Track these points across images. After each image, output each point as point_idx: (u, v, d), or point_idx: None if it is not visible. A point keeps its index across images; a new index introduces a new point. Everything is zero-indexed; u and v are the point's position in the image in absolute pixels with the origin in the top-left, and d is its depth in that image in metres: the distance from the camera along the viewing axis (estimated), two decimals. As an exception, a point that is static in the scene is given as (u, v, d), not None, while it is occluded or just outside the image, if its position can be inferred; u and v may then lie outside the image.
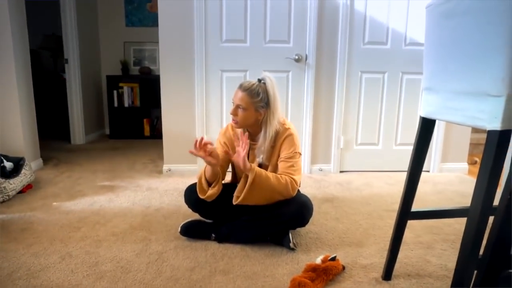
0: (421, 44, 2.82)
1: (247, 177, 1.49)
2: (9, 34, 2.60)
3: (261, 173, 1.49)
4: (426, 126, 1.22)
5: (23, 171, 2.37)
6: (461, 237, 0.93)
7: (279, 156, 1.63)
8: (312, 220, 1.88)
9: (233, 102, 1.60)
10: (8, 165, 2.31)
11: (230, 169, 1.78)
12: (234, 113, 1.59)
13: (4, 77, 2.65)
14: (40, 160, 3.07)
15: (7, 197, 2.19)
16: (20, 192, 2.33)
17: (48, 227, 1.84)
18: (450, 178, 2.84)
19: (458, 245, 1.63)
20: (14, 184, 2.24)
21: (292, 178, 1.55)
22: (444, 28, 1.03)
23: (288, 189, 1.53)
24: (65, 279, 1.36)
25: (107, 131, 4.93)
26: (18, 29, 2.71)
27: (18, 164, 2.41)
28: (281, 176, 1.53)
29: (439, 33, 1.06)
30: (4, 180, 2.18)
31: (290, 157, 1.59)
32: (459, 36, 0.97)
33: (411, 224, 1.86)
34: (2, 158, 2.32)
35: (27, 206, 2.13)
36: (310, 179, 2.78)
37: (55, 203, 2.18)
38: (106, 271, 1.42)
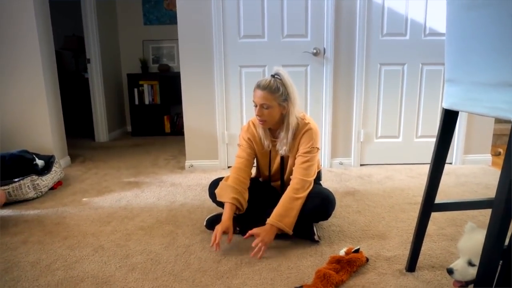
0: (441, 34, 2.77)
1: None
2: (36, 37, 2.71)
3: (285, 218, 1.54)
4: (449, 118, 1.22)
5: (53, 168, 2.48)
6: (485, 229, 0.94)
7: (298, 150, 1.66)
8: (334, 213, 1.91)
9: (254, 103, 1.62)
10: (40, 162, 2.42)
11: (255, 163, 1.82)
12: (260, 113, 1.60)
13: (32, 79, 2.76)
14: (68, 158, 3.20)
15: (40, 193, 2.31)
16: (52, 188, 2.45)
17: (79, 221, 1.93)
18: (474, 170, 2.81)
19: (482, 237, 1.62)
20: (46, 181, 2.36)
21: (303, 179, 1.59)
22: (466, 19, 1.04)
23: (305, 194, 1.59)
24: (99, 271, 1.44)
25: (129, 129, 5.06)
26: (44, 31, 2.82)
27: (49, 161, 2.52)
28: (296, 192, 1.58)
29: (460, 25, 1.07)
30: (37, 177, 2.29)
31: (308, 152, 1.63)
32: (481, 28, 0.98)
33: (434, 216, 1.86)
34: (34, 156, 2.44)
35: (59, 202, 2.23)
36: (330, 173, 2.79)
37: (84, 199, 2.28)
38: (137, 263, 1.49)
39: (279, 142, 1.68)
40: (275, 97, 1.58)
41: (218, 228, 1.55)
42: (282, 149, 1.68)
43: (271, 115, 1.61)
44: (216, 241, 1.51)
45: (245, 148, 1.74)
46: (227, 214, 1.59)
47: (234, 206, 1.62)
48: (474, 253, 1.08)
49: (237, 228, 1.72)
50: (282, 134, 1.66)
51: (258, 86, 1.60)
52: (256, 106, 1.61)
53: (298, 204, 1.57)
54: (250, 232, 1.54)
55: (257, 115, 1.62)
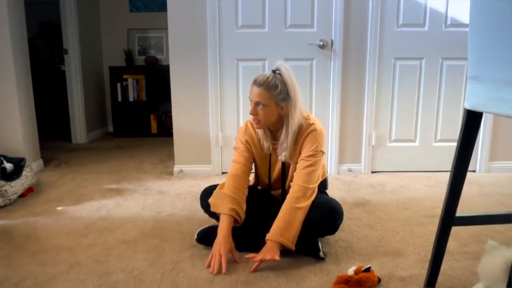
0: (464, 25, 2.79)
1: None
2: (6, 23, 2.71)
3: (286, 231, 1.54)
4: (472, 120, 1.22)
5: (24, 172, 2.48)
6: (510, 248, 0.94)
7: (300, 153, 1.67)
8: (342, 226, 1.90)
9: (250, 100, 1.63)
10: (8, 166, 2.42)
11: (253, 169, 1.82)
12: (254, 112, 1.61)
13: (1, 71, 2.76)
14: (41, 161, 3.19)
15: (8, 201, 2.30)
16: (22, 195, 2.44)
17: (53, 233, 1.92)
18: (500, 179, 2.81)
19: (509, 255, 1.62)
20: (16, 187, 2.35)
21: (305, 186, 1.60)
22: (494, 8, 1.04)
23: (308, 203, 1.59)
24: (75, 290, 1.43)
25: (111, 129, 5.05)
26: (16, 16, 2.82)
27: (19, 165, 2.52)
28: (297, 201, 1.58)
29: (486, 16, 1.07)
30: (5, 182, 2.28)
31: (311, 155, 1.63)
32: (509, 19, 0.98)
33: (455, 231, 1.85)
34: (1, 159, 2.43)
35: (30, 211, 2.23)
36: (338, 180, 2.80)
37: (59, 208, 2.28)
38: (118, 282, 1.48)
39: (279, 146, 1.68)
40: (271, 95, 1.58)
41: (220, 249, 1.54)
42: (282, 155, 1.67)
43: (266, 115, 1.61)
44: (223, 268, 1.52)
45: (242, 152, 1.74)
46: (225, 229, 1.59)
47: (232, 218, 1.61)
48: (492, 279, 1.07)
49: (233, 243, 1.71)
50: (282, 137, 1.66)
51: (255, 82, 1.61)
52: (251, 103, 1.62)
53: (301, 215, 1.56)
54: (251, 256, 1.54)
55: (250, 113, 1.62)
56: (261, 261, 1.52)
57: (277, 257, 1.50)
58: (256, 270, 1.53)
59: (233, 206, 1.62)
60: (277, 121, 1.66)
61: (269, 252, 1.51)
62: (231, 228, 1.61)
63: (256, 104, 1.60)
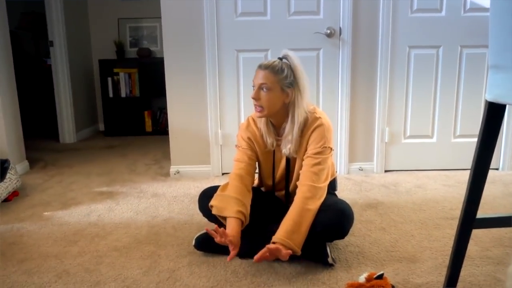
0: (485, 10, 2.77)
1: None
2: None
3: (294, 234, 1.51)
4: (494, 113, 1.21)
5: (8, 175, 2.49)
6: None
7: (306, 150, 1.67)
8: (352, 230, 1.90)
9: (253, 86, 1.64)
10: (-9, 169, 2.43)
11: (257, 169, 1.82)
12: (257, 96, 1.61)
13: (-18, 66, 2.77)
14: (26, 163, 3.21)
15: (-9, 207, 2.31)
16: (5, 200, 2.45)
17: (40, 240, 1.93)
18: (525, 177, 2.80)
19: (536, 260, 1.62)
20: (-1, 191, 2.36)
21: (315, 186, 1.59)
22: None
23: (318, 205, 1.58)
24: (63, 301, 1.44)
25: (101, 127, 5.07)
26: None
27: (2, 167, 2.53)
28: (306, 201, 1.56)
29: (509, -2, 1.06)
30: (-13, 186, 2.30)
31: (319, 153, 1.63)
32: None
33: (476, 234, 1.86)
34: (-16, 161, 2.44)
35: (14, 217, 2.24)
36: (348, 180, 2.79)
37: (46, 213, 2.28)
38: (110, 292, 1.49)
39: (284, 138, 1.68)
40: (277, 79, 1.59)
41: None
42: (286, 148, 1.67)
43: (270, 101, 1.61)
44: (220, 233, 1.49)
45: (245, 150, 1.75)
46: (234, 230, 1.56)
47: (240, 221, 1.60)
48: None
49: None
50: (287, 129, 1.66)
51: (260, 66, 1.63)
52: (254, 88, 1.63)
53: (310, 217, 1.56)
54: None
55: (253, 97, 1.62)
56: (265, 253, 1.46)
57: (284, 251, 1.45)
58: (259, 260, 1.47)
59: (240, 208, 1.61)
60: (281, 111, 1.66)
61: (275, 250, 1.46)
62: (240, 231, 1.59)
63: (260, 87, 1.61)
